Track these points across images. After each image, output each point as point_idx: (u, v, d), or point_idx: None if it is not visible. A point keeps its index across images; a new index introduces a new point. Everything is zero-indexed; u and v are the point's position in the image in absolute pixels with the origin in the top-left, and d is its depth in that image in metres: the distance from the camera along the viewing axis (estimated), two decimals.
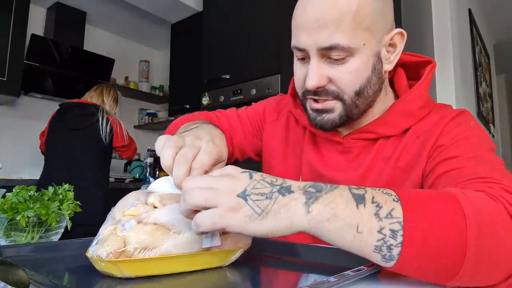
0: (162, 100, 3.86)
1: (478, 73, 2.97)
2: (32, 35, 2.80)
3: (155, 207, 0.49)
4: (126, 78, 3.68)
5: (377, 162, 0.69)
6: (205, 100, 2.55)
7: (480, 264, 0.42)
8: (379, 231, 0.41)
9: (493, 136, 3.67)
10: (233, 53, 2.47)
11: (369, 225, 0.41)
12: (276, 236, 0.42)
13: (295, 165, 0.79)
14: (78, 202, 0.75)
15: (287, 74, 2.16)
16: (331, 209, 0.41)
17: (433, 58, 2.17)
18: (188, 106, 3.11)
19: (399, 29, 0.66)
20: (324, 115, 0.66)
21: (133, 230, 0.46)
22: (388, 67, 0.67)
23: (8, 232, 0.68)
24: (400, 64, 0.73)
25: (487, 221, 0.43)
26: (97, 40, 3.48)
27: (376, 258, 0.42)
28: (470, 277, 0.42)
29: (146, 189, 0.54)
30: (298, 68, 0.67)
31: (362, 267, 0.45)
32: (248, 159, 0.89)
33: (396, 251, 0.40)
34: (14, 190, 0.70)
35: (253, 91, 2.28)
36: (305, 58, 0.64)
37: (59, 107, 2.39)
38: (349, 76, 0.61)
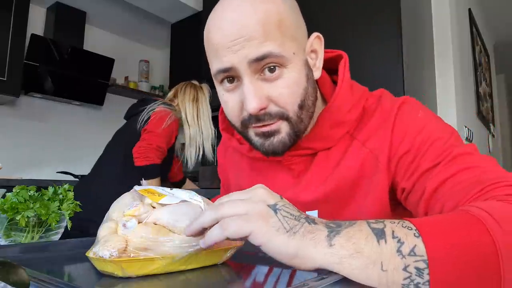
0: None
1: (478, 73, 2.98)
2: (32, 35, 2.81)
3: (153, 207, 0.50)
4: (126, 78, 3.68)
5: (317, 176, 0.66)
6: None
7: None
8: (404, 269, 0.39)
9: (493, 136, 3.67)
10: None
11: (393, 262, 0.39)
12: (295, 262, 0.42)
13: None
14: (78, 202, 0.75)
15: None
16: (353, 243, 0.40)
17: (433, 58, 2.18)
18: None
19: (316, 34, 0.63)
20: (271, 138, 0.60)
21: (134, 230, 0.46)
22: (316, 74, 0.64)
23: (8, 232, 0.68)
24: None
25: None
26: (97, 40, 3.48)
27: None
28: None
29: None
30: (227, 97, 0.61)
31: None
32: None
33: None
34: (14, 190, 0.70)
35: None
36: (234, 82, 0.59)
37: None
38: (288, 90, 0.57)
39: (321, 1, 2.02)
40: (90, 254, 0.46)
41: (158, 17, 3.27)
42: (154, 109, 1.77)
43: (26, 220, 0.66)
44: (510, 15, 3.63)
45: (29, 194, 0.70)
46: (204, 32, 0.61)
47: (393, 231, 0.41)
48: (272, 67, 0.56)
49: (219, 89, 0.62)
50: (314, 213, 0.66)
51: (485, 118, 3.16)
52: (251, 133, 0.62)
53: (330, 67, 0.71)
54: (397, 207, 0.64)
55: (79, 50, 3.11)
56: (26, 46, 2.79)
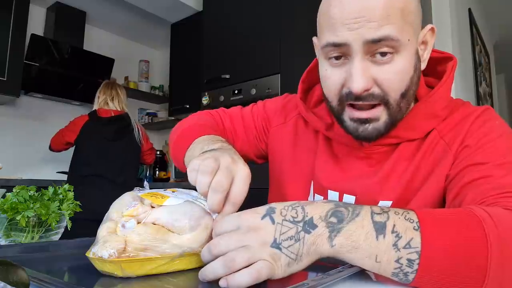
0: (162, 100, 3.86)
1: (478, 72, 2.97)
2: (32, 35, 2.80)
3: (152, 207, 0.50)
4: (126, 78, 3.68)
5: (398, 166, 0.66)
6: (205, 100, 2.55)
7: None
8: (397, 261, 0.42)
9: None
10: (233, 53, 2.47)
11: (388, 255, 0.43)
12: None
13: (307, 169, 0.75)
14: (78, 202, 0.75)
15: (287, 74, 2.16)
16: (352, 241, 0.43)
17: None
18: (188, 106, 3.11)
19: (430, 25, 0.63)
20: (367, 125, 0.60)
21: (133, 230, 0.46)
22: (423, 65, 0.63)
23: (8, 232, 0.68)
24: None
25: None
26: (97, 40, 3.48)
27: (393, 279, 0.44)
28: None
29: (139, 191, 0.55)
30: (331, 71, 0.60)
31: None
32: (250, 161, 0.85)
33: (411, 276, 0.42)
34: (14, 190, 0.70)
35: (253, 91, 2.28)
36: (341, 58, 0.58)
37: (96, 118, 2.42)
38: (396, 76, 0.57)
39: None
40: (89, 254, 0.46)
41: (158, 17, 3.27)
42: (136, 125, 2.52)
43: (26, 220, 0.66)
44: (510, 15, 3.62)
45: (29, 194, 0.70)
46: (323, 1, 0.61)
47: (394, 225, 0.43)
48: (384, 52, 0.56)
49: (324, 62, 0.61)
50: (387, 203, 0.66)
51: None
52: (346, 115, 0.62)
53: (427, 69, 0.69)
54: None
55: (79, 50, 3.11)
56: (26, 46, 2.78)
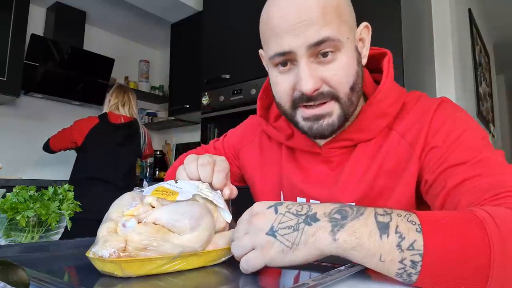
0: (162, 100, 3.86)
1: (478, 73, 2.98)
2: (32, 35, 2.81)
3: (152, 207, 0.50)
4: (126, 78, 3.68)
5: (358, 166, 0.67)
6: (205, 100, 2.55)
7: None
8: (400, 262, 0.43)
9: (493, 135, 3.67)
10: (233, 53, 2.47)
11: (391, 255, 0.43)
12: (308, 262, 0.46)
13: (274, 182, 0.79)
14: (78, 202, 0.75)
15: None
16: (356, 238, 0.43)
17: (433, 58, 2.18)
18: (188, 106, 3.11)
19: (366, 23, 0.66)
20: (321, 121, 0.63)
21: (134, 229, 0.46)
22: (364, 61, 0.66)
23: (8, 232, 0.68)
24: None
25: None
26: (97, 40, 3.48)
27: (396, 279, 0.45)
28: None
29: (140, 191, 0.55)
30: (281, 78, 0.63)
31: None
32: None
33: (415, 277, 0.43)
34: (14, 190, 0.70)
35: (253, 91, 2.28)
36: (288, 64, 0.62)
37: (106, 122, 2.44)
38: (341, 72, 0.60)
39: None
40: (89, 254, 0.46)
41: (158, 17, 3.27)
42: (144, 132, 2.60)
43: (26, 220, 0.66)
44: (510, 15, 3.63)
45: (29, 194, 0.70)
46: (263, 14, 0.64)
47: (397, 226, 0.44)
48: (326, 52, 0.59)
49: (273, 71, 0.65)
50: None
51: (485, 118, 3.16)
52: (299, 116, 0.64)
53: (370, 65, 0.73)
54: (422, 204, 0.65)
55: (79, 50, 3.11)
56: (26, 46, 2.79)
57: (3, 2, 2.63)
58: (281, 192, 0.78)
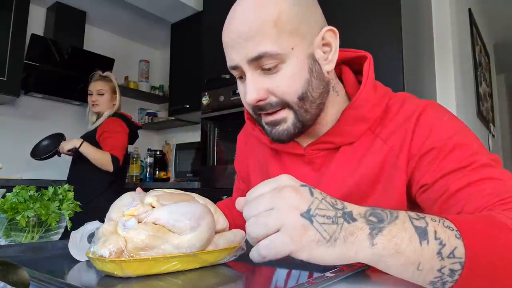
0: (162, 100, 3.86)
1: (478, 73, 2.97)
2: (32, 35, 2.80)
3: (152, 207, 0.50)
4: (126, 78, 3.68)
5: (340, 170, 0.67)
6: (205, 100, 2.55)
7: None
8: (439, 270, 0.40)
9: (493, 135, 3.67)
10: None
11: (431, 264, 0.40)
12: (338, 263, 0.40)
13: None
14: (78, 202, 0.75)
15: None
16: (395, 244, 0.40)
17: (433, 58, 2.18)
18: (188, 106, 3.11)
19: (328, 27, 0.64)
20: (277, 127, 0.64)
21: (134, 229, 0.46)
22: (328, 67, 0.65)
23: (8, 232, 0.68)
24: (341, 61, 0.72)
25: None
26: (97, 40, 3.48)
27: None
28: None
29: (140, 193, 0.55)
30: (240, 88, 0.67)
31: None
32: None
33: (448, 285, 0.41)
34: (14, 190, 0.70)
35: None
36: (243, 77, 0.64)
37: (133, 126, 2.48)
38: (286, 82, 0.60)
39: (320, 5, 2.01)
40: (89, 254, 0.46)
41: (158, 17, 3.27)
42: None
43: (26, 220, 0.66)
44: (510, 15, 3.62)
45: (29, 194, 0.70)
46: (224, 25, 0.65)
47: (435, 231, 0.41)
48: (268, 65, 0.59)
49: (237, 81, 0.67)
50: None
51: (485, 118, 3.16)
52: (263, 121, 0.66)
53: (354, 67, 0.73)
54: (413, 206, 0.65)
55: (79, 50, 3.11)
56: (26, 46, 2.78)
57: (3, 2, 2.63)
58: None
